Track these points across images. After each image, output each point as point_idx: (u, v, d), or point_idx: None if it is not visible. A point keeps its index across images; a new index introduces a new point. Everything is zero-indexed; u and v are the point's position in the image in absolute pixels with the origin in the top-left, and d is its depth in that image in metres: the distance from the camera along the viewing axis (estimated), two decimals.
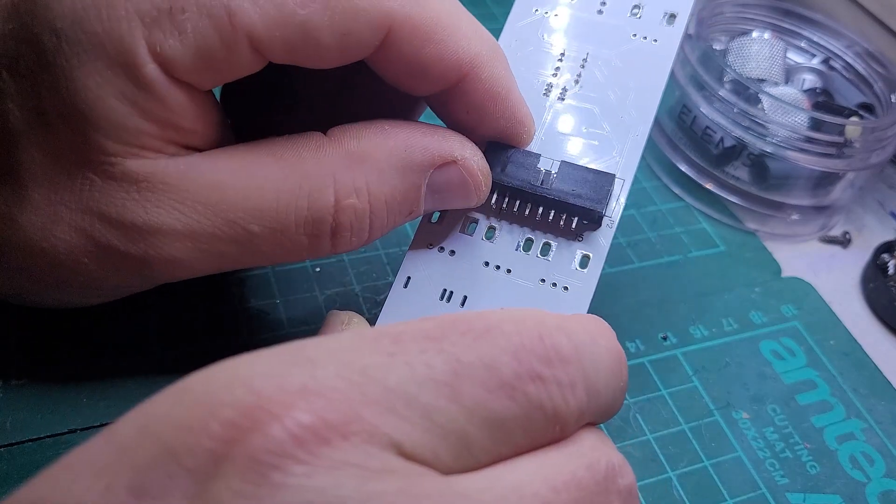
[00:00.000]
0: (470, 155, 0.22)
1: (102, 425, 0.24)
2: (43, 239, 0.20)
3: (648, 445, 0.27)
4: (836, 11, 0.43)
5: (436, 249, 0.24)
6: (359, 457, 0.13)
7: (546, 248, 0.23)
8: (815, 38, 0.40)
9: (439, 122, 0.24)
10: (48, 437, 0.23)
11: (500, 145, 0.24)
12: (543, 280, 0.23)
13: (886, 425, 0.29)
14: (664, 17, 0.26)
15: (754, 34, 0.39)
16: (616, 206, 0.24)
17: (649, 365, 0.29)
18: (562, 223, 0.23)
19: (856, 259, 0.36)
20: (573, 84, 0.25)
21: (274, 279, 0.29)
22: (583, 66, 0.25)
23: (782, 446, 0.28)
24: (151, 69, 0.19)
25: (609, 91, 0.25)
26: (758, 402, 0.29)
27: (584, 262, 0.23)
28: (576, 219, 0.23)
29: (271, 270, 0.30)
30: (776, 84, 0.38)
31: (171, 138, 0.20)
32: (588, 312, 0.23)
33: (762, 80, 0.37)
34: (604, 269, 0.23)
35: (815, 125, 0.34)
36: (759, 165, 0.35)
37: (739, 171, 0.36)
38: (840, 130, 0.33)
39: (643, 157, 0.39)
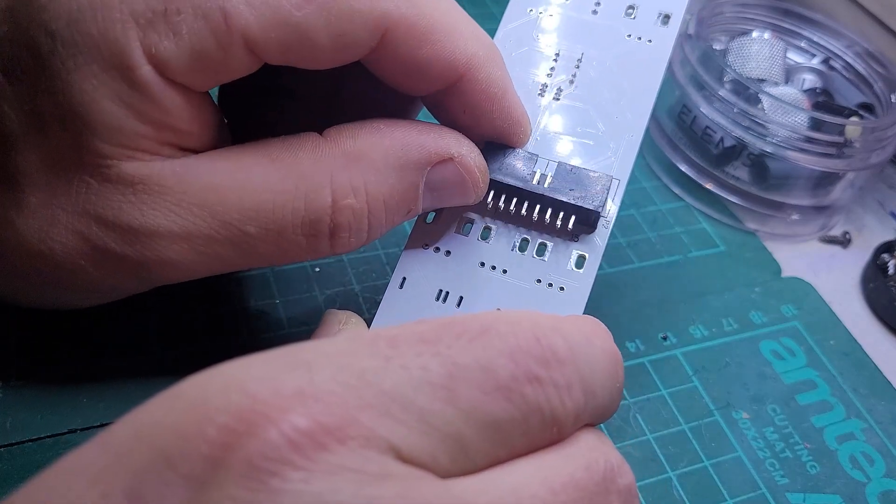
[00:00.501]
0: (467, 152, 0.22)
1: (102, 425, 0.24)
2: (40, 242, 0.20)
3: (648, 445, 0.27)
4: (836, 11, 0.43)
5: (431, 250, 0.24)
6: (356, 461, 0.13)
7: (542, 249, 0.23)
8: (815, 38, 0.40)
9: (436, 121, 0.24)
10: (48, 437, 0.23)
11: (497, 146, 0.24)
12: (539, 280, 0.23)
13: (886, 425, 0.29)
14: (658, 17, 0.26)
15: (754, 34, 0.39)
16: (611, 207, 0.24)
17: (649, 365, 0.29)
18: (558, 223, 0.23)
19: (856, 259, 0.36)
20: (568, 84, 0.25)
21: (273, 279, 0.29)
22: (577, 67, 0.25)
23: (782, 446, 0.28)
24: (146, 71, 0.19)
25: (604, 91, 0.25)
26: (758, 402, 0.29)
27: (581, 262, 0.23)
28: (572, 219, 0.23)
29: (271, 270, 0.30)
30: (776, 84, 0.38)
31: (167, 140, 0.20)
32: (586, 313, 0.22)
33: (762, 80, 0.37)
34: (604, 268, 0.23)
35: (815, 125, 0.34)
36: (759, 165, 0.35)
37: (739, 171, 0.36)
38: (840, 130, 0.33)
39: (643, 157, 0.39)
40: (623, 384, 0.18)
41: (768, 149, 0.34)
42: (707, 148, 0.36)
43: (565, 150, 0.24)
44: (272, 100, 0.26)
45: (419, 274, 0.23)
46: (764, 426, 0.28)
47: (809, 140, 0.33)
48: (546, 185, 0.23)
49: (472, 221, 0.24)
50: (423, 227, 0.24)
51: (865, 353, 0.32)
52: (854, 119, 0.35)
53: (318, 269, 0.30)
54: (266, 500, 0.13)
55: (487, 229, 0.24)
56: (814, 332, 0.32)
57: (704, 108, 0.35)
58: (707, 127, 0.35)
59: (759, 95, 0.34)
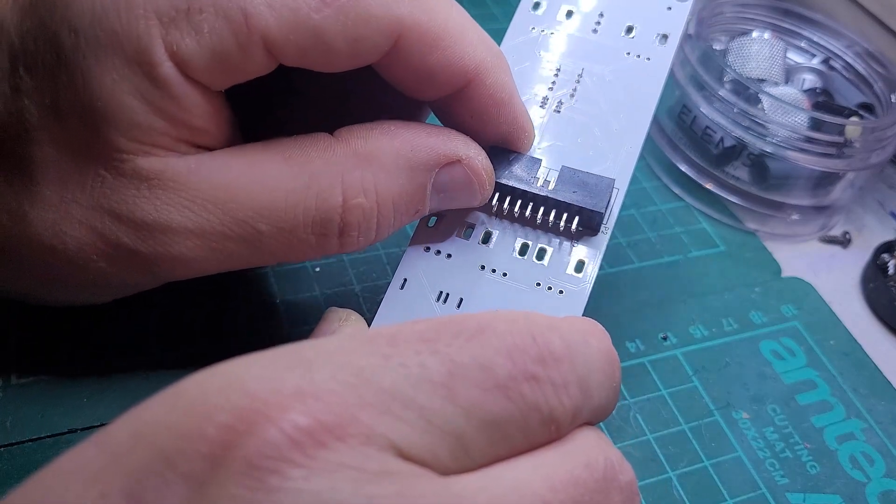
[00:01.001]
0: (474, 154, 0.23)
1: (102, 425, 0.24)
2: (53, 236, 0.20)
3: (648, 445, 0.27)
4: (836, 11, 0.43)
5: (433, 252, 0.24)
6: (356, 459, 0.13)
7: (542, 253, 0.24)
8: (815, 38, 0.40)
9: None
10: (48, 436, 0.23)
11: (502, 150, 0.24)
12: (539, 283, 0.23)
13: (886, 425, 0.29)
14: (657, 37, 0.26)
15: (754, 34, 0.39)
16: (610, 215, 0.24)
17: (649, 365, 0.29)
18: (561, 225, 0.23)
19: (856, 259, 0.36)
20: (568, 98, 0.26)
21: (274, 279, 0.29)
22: (578, 82, 0.26)
23: (782, 446, 0.28)
24: (167, 68, 0.19)
25: (603, 104, 0.25)
26: (758, 402, 0.29)
27: (580, 266, 0.23)
28: (575, 220, 0.23)
29: (271, 270, 0.30)
30: (776, 84, 0.38)
31: (183, 137, 0.20)
32: (586, 313, 0.23)
33: (762, 80, 0.37)
34: (604, 268, 0.23)
35: (815, 125, 0.34)
36: (759, 165, 0.35)
37: (739, 171, 0.36)
38: (840, 130, 0.33)
39: (643, 157, 0.39)
40: (620, 384, 0.18)
41: (768, 149, 0.34)
42: (707, 148, 0.36)
43: (565, 159, 0.25)
44: (283, 99, 0.26)
45: (420, 275, 0.24)
46: (764, 426, 0.28)
47: (809, 140, 0.33)
48: (550, 188, 0.24)
49: (473, 227, 0.24)
50: (426, 231, 0.24)
51: (865, 353, 0.32)
52: (854, 119, 0.35)
53: (318, 269, 0.30)
54: (266, 498, 0.13)
55: (488, 234, 0.24)
56: (814, 332, 0.32)
57: (704, 108, 0.35)
58: (707, 127, 0.35)
59: (759, 95, 0.34)
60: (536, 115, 0.25)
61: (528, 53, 0.27)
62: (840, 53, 0.39)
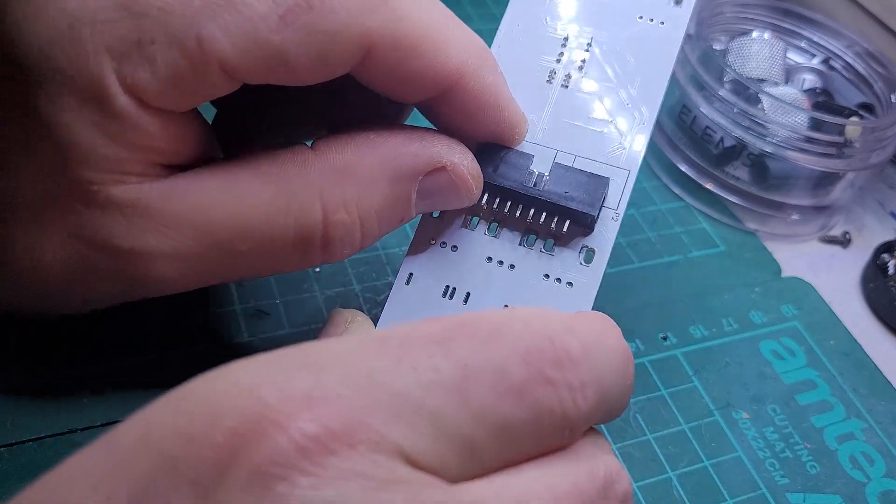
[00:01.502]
0: (459, 159, 0.22)
1: (103, 425, 0.24)
2: (32, 260, 0.20)
3: (648, 445, 0.27)
4: (836, 11, 0.43)
5: (437, 245, 0.23)
6: (365, 466, 0.13)
7: (550, 243, 0.23)
8: (815, 38, 0.40)
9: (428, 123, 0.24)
10: (48, 436, 0.23)
11: (493, 145, 0.23)
12: (547, 276, 0.23)
13: (886, 425, 0.29)
14: None
15: (754, 34, 0.39)
16: (621, 199, 0.23)
17: (649, 365, 0.29)
18: (553, 226, 0.23)
19: (856, 259, 0.36)
20: (577, 70, 0.24)
21: (274, 279, 0.29)
22: (587, 51, 0.25)
23: (782, 446, 0.28)
24: (123, 100, 0.19)
25: (614, 77, 0.24)
26: (758, 402, 0.29)
27: (589, 257, 0.23)
28: (567, 222, 0.23)
29: None
30: (776, 84, 0.38)
31: (153, 161, 0.20)
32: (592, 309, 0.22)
33: (762, 80, 0.37)
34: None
35: (815, 125, 0.34)
36: (759, 165, 0.35)
37: (739, 171, 0.36)
38: (840, 130, 0.33)
39: (643, 157, 0.39)
40: (633, 382, 0.18)
41: (768, 149, 0.34)
42: (707, 148, 0.36)
43: (574, 138, 0.24)
44: (263, 108, 0.25)
45: (425, 270, 0.23)
46: (764, 426, 0.28)
47: (809, 140, 0.33)
48: (542, 188, 0.23)
49: (478, 214, 0.23)
50: (430, 222, 0.24)
51: (865, 353, 0.32)
52: (854, 119, 0.35)
53: (318, 270, 0.30)
54: None
55: (495, 222, 0.23)
56: (814, 332, 0.32)
57: (704, 108, 0.35)
58: (707, 127, 0.35)
59: (759, 95, 0.34)
60: (543, 92, 0.24)
61: (533, 21, 0.25)
62: (840, 53, 0.39)
